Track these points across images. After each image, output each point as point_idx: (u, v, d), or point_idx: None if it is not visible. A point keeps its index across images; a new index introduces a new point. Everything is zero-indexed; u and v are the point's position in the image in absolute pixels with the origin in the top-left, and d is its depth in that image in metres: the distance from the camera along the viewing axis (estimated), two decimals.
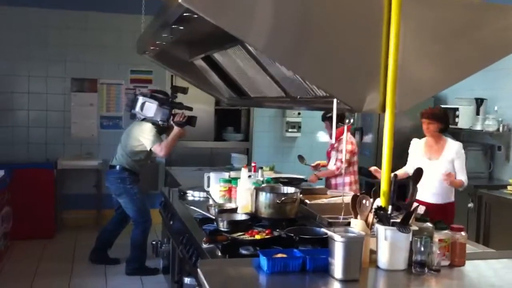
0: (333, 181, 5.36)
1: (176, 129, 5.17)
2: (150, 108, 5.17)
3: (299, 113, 7.65)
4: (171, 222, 3.88)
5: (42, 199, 6.38)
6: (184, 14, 2.43)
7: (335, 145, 5.33)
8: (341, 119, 5.23)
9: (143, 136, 5.19)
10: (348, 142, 5.24)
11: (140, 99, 5.23)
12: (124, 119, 7.18)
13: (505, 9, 2.58)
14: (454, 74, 2.56)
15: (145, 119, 5.26)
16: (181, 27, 2.89)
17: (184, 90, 5.34)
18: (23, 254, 5.87)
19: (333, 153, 5.38)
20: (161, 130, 5.29)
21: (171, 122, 5.20)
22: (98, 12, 7.02)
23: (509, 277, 2.40)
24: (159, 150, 5.15)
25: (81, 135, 7.18)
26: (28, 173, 6.30)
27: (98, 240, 5.67)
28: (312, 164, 5.55)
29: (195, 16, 2.37)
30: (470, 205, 5.57)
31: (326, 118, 5.22)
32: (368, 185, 7.02)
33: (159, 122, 5.19)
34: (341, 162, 5.17)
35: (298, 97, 3.16)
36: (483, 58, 2.56)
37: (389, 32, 2.40)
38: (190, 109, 5.39)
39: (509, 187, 5.36)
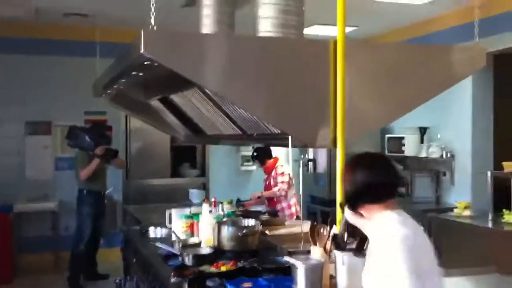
0: (278, 206, 5.61)
1: (96, 159, 6.07)
2: (78, 137, 6.16)
3: (253, 147, 7.84)
4: (134, 260, 3.95)
5: None
6: (145, 63, 2.58)
7: (273, 175, 5.63)
8: (268, 154, 5.65)
9: (75, 162, 6.35)
10: (284, 174, 5.62)
11: (74, 131, 6.21)
12: None
13: (439, 50, 2.87)
14: (396, 110, 2.81)
15: (77, 148, 6.23)
16: (141, 73, 3.04)
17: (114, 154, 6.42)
18: None
19: (272, 181, 5.68)
20: (91, 157, 6.11)
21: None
22: (51, 55, 7.07)
23: None
24: (79, 174, 6.12)
25: (37, 178, 7.14)
26: None
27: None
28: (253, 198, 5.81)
29: (156, 64, 2.53)
30: None
31: (254, 157, 5.94)
32: (323, 214, 7.26)
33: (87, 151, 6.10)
34: (283, 188, 5.56)
35: (255, 134, 3.35)
36: (422, 95, 2.82)
37: (336, 74, 2.63)
38: (113, 151, 6.37)
39: (455, 210, 5.66)
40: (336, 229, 2.63)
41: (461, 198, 5.94)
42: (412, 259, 1.97)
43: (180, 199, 6.41)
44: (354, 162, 2.23)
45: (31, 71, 7.07)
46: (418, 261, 2.00)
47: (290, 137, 2.78)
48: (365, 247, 2.52)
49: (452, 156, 6.29)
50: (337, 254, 2.49)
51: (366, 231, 2.27)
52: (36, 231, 7.00)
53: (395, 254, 1.99)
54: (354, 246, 2.52)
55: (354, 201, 2.21)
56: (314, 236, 2.62)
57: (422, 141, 6.62)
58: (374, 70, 2.73)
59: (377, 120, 2.82)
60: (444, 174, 6.49)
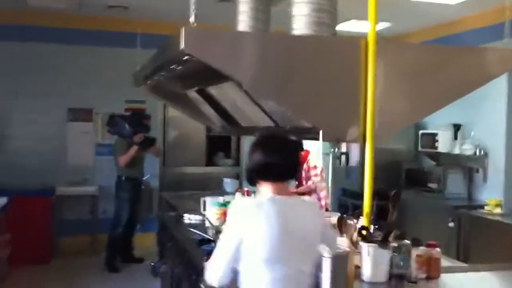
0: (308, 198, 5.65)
1: (134, 146, 6.29)
2: (118, 124, 6.41)
3: None
4: (169, 245, 4.13)
5: (39, 225, 6.58)
6: (184, 58, 2.72)
7: (304, 168, 5.69)
8: (301, 146, 5.68)
9: (114, 148, 6.57)
10: (315, 167, 5.61)
11: (114, 118, 6.48)
12: None
13: (467, 51, 2.93)
14: (425, 107, 2.89)
15: (117, 135, 6.46)
16: (179, 67, 3.18)
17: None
18: (23, 279, 6.06)
19: (304, 174, 5.70)
20: (129, 144, 6.34)
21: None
22: (94, 46, 7.33)
23: (478, 287, 2.71)
24: (119, 160, 6.34)
25: (77, 163, 7.42)
26: (26, 200, 6.51)
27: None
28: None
29: (194, 59, 2.67)
30: (451, 224, 5.87)
31: None
32: (354, 206, 7.32)
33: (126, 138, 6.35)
34: (316, 179, 5.55)
35: (288, 127, 3.46)
36: (451, 94, 2.89)
37: (367, 71, 2.72)
38: (150, 139, 6.61)
39: (486, 207, 5.67)
40: (363, 221, 2.74)
41: (493, 196, 5.93)
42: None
43: (214, 188, 6.58)
44: (255, 141, 2.42)
45: (74, 60, 7.33)
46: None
47: (321, 131, 2.89)
48: (390, 239, 2.63)
49: (486, 153, 6.28)
50: (363, 245, 2.60)
51: None
52: (75, 214, 7.30)
53: None
54: (379, 238, 2.63)
55: (249, 176, 2.38)
56: (341, 226, 2.73)
57: (455, 138, 6.61)
58: (405, 68, 2.81)
59: (407, 117, 2.90)
60: (477, 171, 6.47)
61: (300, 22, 3.12)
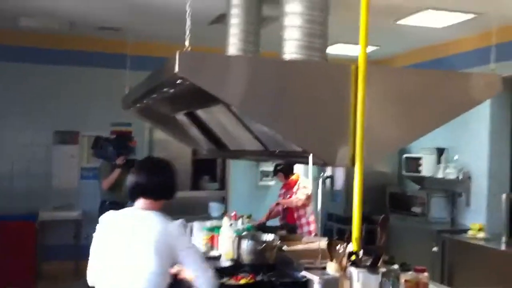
0: (298, 223, 5.65)
1: (117, 169, 6.21)
2: (102, 147, 6.40)
3: (272, 162, 7.97)
4: None
5: (23, 250, 6.49)
6: (178, 81, 2.75)
7: (294, 191, 5.69)
8: (291, 170, 5.70)
9: (99, 172, 6.51)
10: (306, 187, 5.62)
11: (99, 141, 6.44)
12: None
13: (456, 76, 3.00)
14: (413, 132, 2.93)
15: (101, 158, 6.43)
16: (171, 90, 3.21)
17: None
18: None
19: (294, 195, 5.72)
20: (113, 167, 6.27)
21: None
22: (81, 67, 7.32)
23: None
24: (102, 183, 6.29)
25: (62, 186, 7.35)
26: (10, 225, 6.43)
27: None
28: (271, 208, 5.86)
29: (187, 82, 2.70)
30: (435, 249, 5.91)
31: (278, 171, 5.91)
32: (339, 231, 7.34)
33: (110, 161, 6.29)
34: (300, 197, 5.58)
35: (277, 151, 3.48)
36: (438, 118, 2.95)
37: (357, 95, 2.77)
38: (133, 161, 6.26)
39: (470, 232, 5.73)
40: (352, 246, 2.76)
41: (476, 220, 6.01)
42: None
43: (200, 212, 6.56)
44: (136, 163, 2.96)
45: (61, 81, 7.31)
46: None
47: (310, 155, 2.92)
48: (379, 264, 2.65)
49: (469, 177, 6.37)
50: (353, 270, 2.62)
51: None
52: (59, 239, 7.19)
53: None
54: (369, 263, 2.65)
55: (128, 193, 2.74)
56: (331, 251, 2.75)
57: (439, 162, 6.70)
58: (393, 93, 2.87)
59: (395, 141, 2.95)
60: (460, 195, 6.55)
61: (291, 46, 3.18)
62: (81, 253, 6.98)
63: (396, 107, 2.90)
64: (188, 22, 2.74)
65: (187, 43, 2.66)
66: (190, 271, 2.62)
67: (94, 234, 2.79)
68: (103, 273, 2.68)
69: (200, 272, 2.59)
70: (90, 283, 2.80)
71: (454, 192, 6.59)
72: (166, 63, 2.67)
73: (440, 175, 6.57)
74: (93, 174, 7.18)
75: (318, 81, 2.81)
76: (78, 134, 7.44)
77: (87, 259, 6.70)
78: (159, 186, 2.70)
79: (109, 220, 2.75)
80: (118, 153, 6.32)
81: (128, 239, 2.58)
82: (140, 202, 2.67)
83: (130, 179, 2.70)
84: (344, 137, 2.80)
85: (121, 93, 5.28)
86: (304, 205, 5.65)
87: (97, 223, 6.64)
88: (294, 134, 2.82)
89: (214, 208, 6.35)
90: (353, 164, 2.77)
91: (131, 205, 2.77)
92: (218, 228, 4.04)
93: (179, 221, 2.77)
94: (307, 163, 3.03)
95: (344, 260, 2.69)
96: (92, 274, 2.80)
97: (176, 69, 2.48)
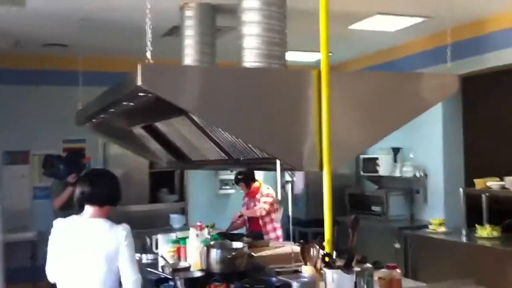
0: (263, 230, 5.67)
1: (69, 187, 5.88)
2: (53, 165, 6.15)
3: (231, 170, 7.95)
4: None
5: None
6: (139, 94, 2.71)
7: (257, 198, 5.71)
8: (252, 178, 5.72)
9: (51, 191, 6.29)
10: (268, 195, 5.71)
11: (49, 160, 6.21)
12: None
13: (414, 77, 3.08)
14: (376, 134, 2.99)
15: (53, 177, 6.19)
16: (131, 103, 3.16)
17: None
18: None
19: (257, 204, 5.75)
20: (65, 185, 6.02)
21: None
22: (29, 85, 7.11)
23: None
24: (54, 202, 6.06)
25: (14, 208, 7.09)
26: None
27: None
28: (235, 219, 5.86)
29: (149, 95, 2.66)
30: (397, 245, 6.03)
31: (239, 180, 5.95)
32: (300, 234, 7.38)
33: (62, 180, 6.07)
34: (264, 208, 5.63)
35: (241, 158, 3.48)
36: (400, 119, 3.01)
37: (320, 101, 2.80)
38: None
39: (430, 227, 5.86)
40: (325, 248, 2.77)
41: (435, 215, 6.15)
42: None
43: (161, 225, 6.45)
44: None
45: (9, 100, 7.07)
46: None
47: (278, 161, 2.93)
48: (353, 264, 2.67)
49: (425, 174, 6.53)
50: (327, 271, 2.63)
51: None
52: (14, 262, 6.93)
53: None
54: (342, 263, 2.67)
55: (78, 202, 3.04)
56: (304, 255, 2.75)
57: (395, 161, 6.85)
58: (355, 97, 2.91)
59: (360, 144, 2.99)
60: (418, 192, 6.71)
61: (251, 55, 3.20)
62: (39, 274, 6.75)
63: (358, 110, 2.94)
64: (149, 33, 2.70)
65: (148, 55, 2.62)
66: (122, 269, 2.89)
67: (49, 237, 3.11)
68: (61, 273, 3.00)
69: (131, 273, 2.88)
70: (50, 280, 3.13)
71: (412, 189, 6.74)
72: (128, 76, 2.63)
73: (397, 173, 6.71)
74: (46, 194, 6.96)
75: (280, 88, 2.83)
76: (29, 153, 7.21)
77: (46, 280, 6.52)
78: (102, 193, 2.98)
79: (62, 227, 3.07)
80: (70, 171, 6.12)
81: (80, 245, 2.92)
82: (88, 210, 2.97)
83: (77, 190, 3.01)
84: (310, 142, 2.82)
85: (73, 109, 5.16)
86: (268, 212, 5.65)
87: None
88: (260, 141, 2.83)
89: (175, 220, 6.25)
90: (321, 168, 2.79)
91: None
92: (183, 239, 3.99)
93: (123, 224, 2.97)
94: (273, 169, 3.05)
95: (319, 263, 2.70)
96: (51, 271, 3.10)
97: (139, 81, 2.44)
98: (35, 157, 7.21)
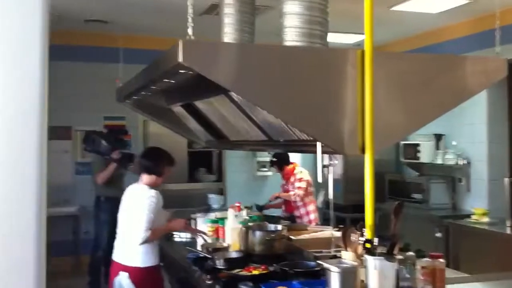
0: (296, 213, 5.63)
1: (113, 163, 6.07)
2: (94, 141, 6.19)
3: (269, 152, 7.91)
4: (161, 264, 4.02)
5: None
6: (180, 71, 2.66)
7: (291, 181, 5.66)
8: (285, 161, 5.68)
9: (92, 167, 6.45)
10: (301, 180, 5.65)
11: (91, 136, 6.26)
12: None
13: (460, 61, 2.94)
14: (421, 118, 2.87)
15: (94, 153, 6.25)
16: (172, 81, 3.12)
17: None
18: None
19: (291, 187, 5.72)
20: (107, 162, 6.12)
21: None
22: (71, 61, 7.19)
23: None
24: (97, 178, 6.13)
25: (57, 182, 7.24)
26: None
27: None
28: (272, 199, 5.85)
29: (190, 72, 2.62)
30: (438, 234, 5.89)
31: (273, 163, 5.98)
32: (338, 219, 7.31)
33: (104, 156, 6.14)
34: (298, 194, 5.60)
35: (281, 140, 3.42)
36: (445, 104, 2.88)
37: (363, 82, 2.70)
38: (128, 156, 6.34)
39: (473, 216, 5.70)
40: (367, 234, 2.69)
41: (477, 205, 5.99)
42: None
43: (198, 204, 6.49)
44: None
45: (52, 76, 7.14)
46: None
47: (318, 144, 2.85)
48: (395, 251, 2.59)
49: (468, 162, 6.34)
50: (369, 258, 2.56)
51: None
52: (57, 235, 7.09)
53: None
54: (385, 250, 2.59)
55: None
56: (345, 240, 2.69)
57: (437, 148, 6.67)
58: (400, 79, 2.80)
59: (404, 128, 2.88)
60: (460, 181, 6.53)
61: (292, 34, 3.10)
62: (80, 248, 6.93)
63: (402, 93, 2.83)
64: (190, 10, 2.65)
65: (189, 31, 2.57)
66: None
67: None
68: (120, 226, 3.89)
69: (138, 226, 3.49)
70: None
71: (454, 177, 6.57)
72: (168, 52, 2.58)
73: (439, 161, 6.53)
74: (87, 169, 7.08)
75: (322, 67, 2.73)
76: (71, 128, 7.33)
77: (87, 254, 6.64)
78: (147, 165, 3.84)
79: (126, 192, 3.98)
80: (112, 148, 6.18)
81: (128, 204, 3.84)
82: (141, 178, 3.83)
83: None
84: (352, 124, 2.73)
85: (114, 86, 5.18)
86: (301, 197, 5.61)
87: (94, 218, 6.50)
88: (300, 121, 2.74)
89: (214, 200, 6.28)
90: (363, 151, 2.70)
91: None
92: (222, 219, 3.98)
93: (153, 190, 3.68)
94: (314, 152, 2.97)
95: (360, 248, 2.63)
96: None
97: (180, 58, 2.39)
98: (77, 133, 7.33)
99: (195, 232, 4.03)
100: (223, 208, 5.64)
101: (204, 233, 3.92)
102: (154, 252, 3.57)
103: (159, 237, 3.70)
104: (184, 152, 7.69)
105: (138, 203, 3.60)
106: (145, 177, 3.78)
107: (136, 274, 3.48)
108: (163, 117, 5.30)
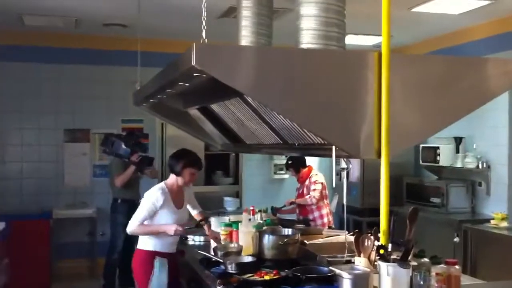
0: (310, 216, 5.61)
1: (132, 166, 6.07)
2: (113, 144, 6.19)
3: (286, 155, 7.88)
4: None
5: (38, 249, 6.44)
6: (194, 74, 2.66)
7: (306, 184, 5.64)
8: (301, 164, 5.66)
9: (110, 169, 6.38)
10: (316, 182, 5.65)
11: (110, 138, 6.26)
12: None
13: (480, 62, 2.88)
14: (438, 123, 2.81)
15: (113, 155, 6.22)
16: (187, 84, 3.12)
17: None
18: None
19: (306, 190, 5.71)
20: (126, 164, 6.13)
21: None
22: (88, 65, 7.27)
23: None
24: (115, 180, 6.11)
25: (75, 184, 7.30)
26: (24, 224, 6.37)
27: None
28: (287, 204, 5.83)
29: (204, 75, 2.61)
30: (456, 239, 5.81)
31: (289, 166, 5.97)
32: (355, 223, 7.26)
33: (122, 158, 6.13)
34: (314, 196, 5.60)
35: (297, 144, 3.39)
36: (464, 107, 2.83)
37: (380, 84, 2.66)
38: (148, 159, 6.39)
39: (492, 221, 5.61)
40: (380, 240, 2.66)
41: (497, 209, 5.89)
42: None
43: (214, 207, 6.49)
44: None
45: (70, 80, 7.26)
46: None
47: (333, 147, 2.82)
48: (409, 258, 2.55)
49: (488, 166, 6.24)
50: (382, 264, 2.52)
51: None
52: (73, 237, 7.16)
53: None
54: (398, 257, 2.55)
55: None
56: (358, 245, 2.65)
57: (457, 151, 6.58)
58: (418, 82, 2.75)
59: (421, 132, 2.83)
60: (480, 185, 6.43)
61: (308, 36, 3.08)
62: (96, 251, 6.97)
63: (420, 96, 2.78)
64: (204, 13, 2.64)
65: (203, 34, 2.56)
66: None
67: None
68: None
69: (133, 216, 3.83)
70: None
71: (474, 181, 6.47)
72: (182, 56, 2.58)
73: (458, 164, 6.44)
74: (105, 172, 7.12)
75: (338, 70, 2.70)
76: (89, 131, 7.39)
77: (102, 257, 6.69)
78: (170, 165, 4.01)
79: None
80: (132, 150, 6.19)
81: None
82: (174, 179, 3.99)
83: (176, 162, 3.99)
84: (368, 128, 2.69)
85: (131, 90, 5.20)
86: (317, 200, 5.59)
87: (111, 220, 6.54)
88: (315, 125, 2.71)
89: (229, 203, 6.28)
90: (379, 155, 2.67)
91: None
92: (236, 223, 3.97)
93: (156, 186, 3.95)
94: (329, 156, 2.94)
95: (373, 254, 2.59)
96: None
97: (193, 61, 2.38)
98: (95, 135, 7.38)
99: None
100: (239, 211, 5.63)
101: (216, 237, 3.95)
102: (150, 238, 3.86)
103: (148, 233, 3.87)
104: (201, 155, 7.67)
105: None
106: (170, 176, 3.99)
107: (135, 254, 4.00)
108: (180, 120, 5.31)
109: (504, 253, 5.10)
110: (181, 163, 3.91)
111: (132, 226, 3.81)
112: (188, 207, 4.21)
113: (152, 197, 3.82)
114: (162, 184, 3.96)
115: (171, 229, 3.71)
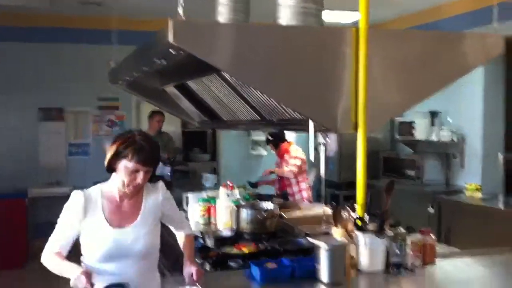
0: (289, 190, 5.64)
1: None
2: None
3: (263, 131, 7.91)
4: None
5: (14, 228, 6.41)
6: (171, 51, 2.64)
7: (285, 159, 5.68)
8: (282, 138, 5.69)
9: None
10: (296, 157, 5.65)
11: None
12: (92, 146, 7.31)
13: (457, 37, 2.93)
14: (417, 95, 2.87)
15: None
16: (164, 61, 3.10)
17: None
18: None
19: (285, 165, 5.73)
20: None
21: None
22: (64, 43, 7.15)
23: (473, 272, 2.74)
24: None
25: (50, 164, 7.24)
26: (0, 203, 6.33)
27: None
28: (265, 174, 5.88)
29: (181, 52, 2.60)
30: (430, 210, 5.93)
31: (268, 141, 5.94)
32: (332, 196, 7.35)
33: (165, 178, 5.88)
34: (292, 170, 5.60)
35: (275, 119, 3.41)
36: (440, 81, 2.88)
37: (358, 60, 2.69)
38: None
39: (466, 192, 5.74)
40: (357, 212, 2.72)
41: (471, 181, 6.02)
42: None
43: (192, 183, 6.51)
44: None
45: (44, 58, 7.14)
46: None
47: (311, 122, 2.85)
48: (385, 228, 2.61)
49: (463, 139, 6.36)
50: (359, 235, 2.58)
51: None
52: (50, 216, 7.03)
53: None
54: (374, 227, 2.61)
55: None
56: (336, 217, 2.71)
57: (432, 125, 6.68)
58: (395, 57, 2.79)
59: (397, 106, 2.88)
60: (455, 157, 6.55)
61: (286, 12, 3.08)
62: None
63: (396, 71, 2.82)
64: None
65: (180, 10, 2.55)
66: None
67: None
68: None
69: None
70: None
71: (448, 154, 6.59)
72: (158, 33, 2.56)
73: (434, 138, 6.54)
74: (81, 151, 7.08)
75: (315, 46, 2.72)
76: (63, 110, 7.31)
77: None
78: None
79: None
80: None
81: None
82: None
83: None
84: (345, 103, 2.73)
85: (108, 68, 5.14)
86: (295, 175, 5.63)
87: None
88: (293, 101, 2.74)
89: (208, 179, 6.28)
90: (356, 129, 2.71)
91: None
92: (213, 199, 3.99)
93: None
94: (307, 130, 2.97)
95: (350, 225, 2.65)
96: None
97: (170, 38, 2.37)
98: (69, 114, 7.30)
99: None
100: (217, 187, 5.65)
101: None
102: None
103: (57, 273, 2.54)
104: (178, 132, 7.70)
105: None
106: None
107: None
108: (157, 98, 5.27)
109: (477, 222, 5.24)
110: (112, 153, 2.44)
111: (43, 256, 2.49)
112: (171, 228, 2.88)
113: (68, 207, 2.53)
114: (94, 186, 2.57)
115: (72, 276, 2.31)
